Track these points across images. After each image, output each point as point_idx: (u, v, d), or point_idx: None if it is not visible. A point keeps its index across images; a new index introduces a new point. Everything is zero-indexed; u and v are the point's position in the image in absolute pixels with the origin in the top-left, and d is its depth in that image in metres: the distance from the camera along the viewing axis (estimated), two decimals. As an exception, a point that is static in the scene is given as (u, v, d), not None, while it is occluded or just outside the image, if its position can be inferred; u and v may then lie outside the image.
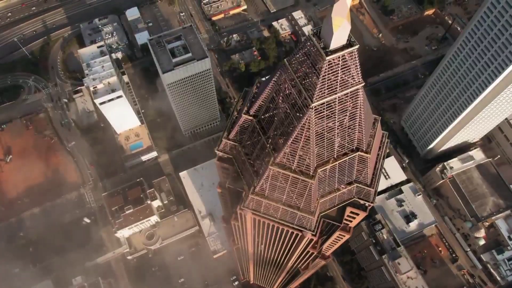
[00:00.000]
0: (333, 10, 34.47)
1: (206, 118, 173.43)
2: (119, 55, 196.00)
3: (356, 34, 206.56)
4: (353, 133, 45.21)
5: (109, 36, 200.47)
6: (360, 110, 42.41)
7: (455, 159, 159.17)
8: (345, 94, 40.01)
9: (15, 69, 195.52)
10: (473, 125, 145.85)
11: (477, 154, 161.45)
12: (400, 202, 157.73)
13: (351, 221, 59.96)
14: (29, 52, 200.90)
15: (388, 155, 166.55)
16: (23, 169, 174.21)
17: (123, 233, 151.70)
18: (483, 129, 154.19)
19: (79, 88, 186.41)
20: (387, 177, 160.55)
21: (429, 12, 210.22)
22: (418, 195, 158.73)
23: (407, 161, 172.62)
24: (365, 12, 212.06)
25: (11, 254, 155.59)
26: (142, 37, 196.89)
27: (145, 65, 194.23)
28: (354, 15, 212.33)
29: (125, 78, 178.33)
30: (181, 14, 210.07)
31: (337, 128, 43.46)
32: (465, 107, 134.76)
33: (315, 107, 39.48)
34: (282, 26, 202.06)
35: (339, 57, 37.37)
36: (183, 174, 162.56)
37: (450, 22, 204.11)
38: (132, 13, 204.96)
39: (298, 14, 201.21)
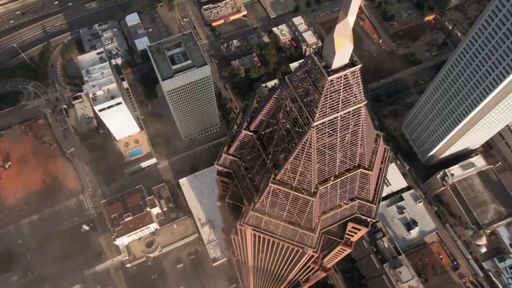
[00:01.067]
0: (335, 31, 33.69)
1: (206, 124, 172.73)
2: (118, 61, 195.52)
3: (356, 39, 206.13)
4: (355, 150, 44.50)
5: (109, 42, 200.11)
6: (362, 127, 41.71)
7: (456, 166, 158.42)
8: (347, 112, 39.34)
9: (15, 74, 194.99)
10: (474, 132, 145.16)
11: (478, 161, 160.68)
12: (401, 210, 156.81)
13: (352, 236, 59.13)
14: (28, 57, 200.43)
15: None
16: (22, 175, 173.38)
17: (122, 241, 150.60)
18: (484, 136, 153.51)
19: (78, 94, 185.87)
20: (387, 184, 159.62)
21: (429, 17, 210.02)
22: (419, 202, 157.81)
23: (407, 168, 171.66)
24: (365, 18, 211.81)
25: (9, 262, 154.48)
26: (142, 43, 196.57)
27: (144, 71, 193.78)
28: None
29: (125, 84, 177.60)
30: (184, 19, 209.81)
31: (339, 145, 42.75)
32: (467, 114, 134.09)
33: (316, 125, 38.83)
34: (282, 31, 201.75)
35: (341, 77, 36.71)
36: (182, 181, 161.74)
37: (450, 28, 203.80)
38: (132, 19, 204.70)
39: (298, 20, 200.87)
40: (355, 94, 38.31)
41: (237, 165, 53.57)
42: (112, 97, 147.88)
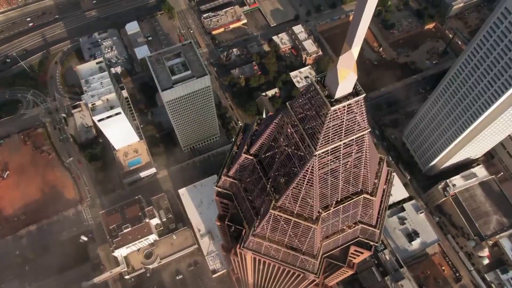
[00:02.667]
0: (338, 61, 32.68)
1: (205, 133, 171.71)
2: (118, 69, 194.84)
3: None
4: (358, 176, 43.44)
5: (109, 50, 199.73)
6: (365, 154, 40.68)
7: (457, 176, 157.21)
8: (350, 140, 38.30)
9: (14, 83, 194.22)
10: (476, 143, 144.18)
11: (480, 171, 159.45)
12: (402, 220, 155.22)
13: (355, 258, 57.88)
14: (28, 66, 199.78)
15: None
16: (20, 185, 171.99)
17: (121, 252, 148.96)
18: (486, 146, 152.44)
19: (77, 103, 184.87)
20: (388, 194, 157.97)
21: (430, 26, 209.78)
22: (421, 213, 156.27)
23: (408, 178, 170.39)
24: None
25: (6, 273, 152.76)
26: (141, 52, 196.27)
27: (144, 80, 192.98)
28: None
29: (124, 93, 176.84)
30: (190, 30, 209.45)
31: (342, 172, 41.69)
32: (469, 125, 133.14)
33: (319, 154, 37.79)
34: (282, 40, 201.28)
35: (344, 106, 35.72)
36: (182, 191, 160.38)
37: (450, 36, 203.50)
38: (132, 27, 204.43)
39: (298, 29, 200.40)
40: (358, 122, 37.31)
41: (237, 188, 52.41)
42: (111, 107, 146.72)
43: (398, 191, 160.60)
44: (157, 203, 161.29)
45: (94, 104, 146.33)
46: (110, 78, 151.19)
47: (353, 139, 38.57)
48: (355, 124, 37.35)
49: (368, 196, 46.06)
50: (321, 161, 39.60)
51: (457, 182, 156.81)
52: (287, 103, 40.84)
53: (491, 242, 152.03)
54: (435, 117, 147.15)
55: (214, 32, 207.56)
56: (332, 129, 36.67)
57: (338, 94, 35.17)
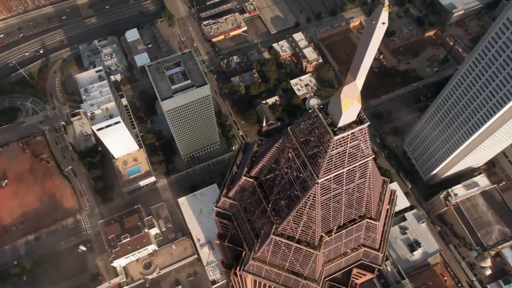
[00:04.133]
0: (342, 91, 31.74)
1: (205, 142, 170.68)
2: (118, 77, 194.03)
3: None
4: (361, 201, 42.42)
5: (108, 58, 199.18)
6: (369, 179, 39.68)
7: (459, 186, 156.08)
8: (353, 167, 37.33)
9: (13, 91, 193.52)
10: (479, 152, 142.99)
11: (482, 180, 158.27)
12: (403, 230, 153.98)
13: (357, 279, 56.70)
14: (27, 73, 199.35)
15: (391, 181, 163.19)
16: (18, 194, 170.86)
17: (120, 262, 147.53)
18: (488, 155, 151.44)
19: (77, 111, 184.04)
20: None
21: (430, 33, 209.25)
22: (422, 223, 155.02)
23: (410, 187, 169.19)
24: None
25: (4, 283, 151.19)
26: (141, 59, 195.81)
27: (144, 87, 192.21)
28: (354, 36, 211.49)
29: (124, 101, 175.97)
30: (194, 44, 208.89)
31: (345, 198, 40.67)
32: (470, 135, 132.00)
33: (321, 182, 36.81)
34: (283, 47, 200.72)
35: (348, 135, 34.75)
36: (181, 200, 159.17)
37: (451, 43, 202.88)
38: (132, 35, 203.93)
39: (298, 36, 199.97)
40: (362, 149, 36.36)
41: (236, 208, 51.34)
42: (111, 116, 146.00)
43: (399, 200, 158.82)
44: (156, 213, 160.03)
45: (94, 113, 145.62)
46: (109, 87, 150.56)
47: (356, 166, 37.60)
48: (358, 151, 36.42)
49: (371, 221, 45.03)
50: (324, 188, 38.59)
51: (459, 191, 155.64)
52: (288, 128, 39.87)
53: (493, 252, 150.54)
54: (436, 126, 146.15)
55: (214, 40, 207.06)
56: (335, 157, 35.72)
57: (342, 123, 34.24)
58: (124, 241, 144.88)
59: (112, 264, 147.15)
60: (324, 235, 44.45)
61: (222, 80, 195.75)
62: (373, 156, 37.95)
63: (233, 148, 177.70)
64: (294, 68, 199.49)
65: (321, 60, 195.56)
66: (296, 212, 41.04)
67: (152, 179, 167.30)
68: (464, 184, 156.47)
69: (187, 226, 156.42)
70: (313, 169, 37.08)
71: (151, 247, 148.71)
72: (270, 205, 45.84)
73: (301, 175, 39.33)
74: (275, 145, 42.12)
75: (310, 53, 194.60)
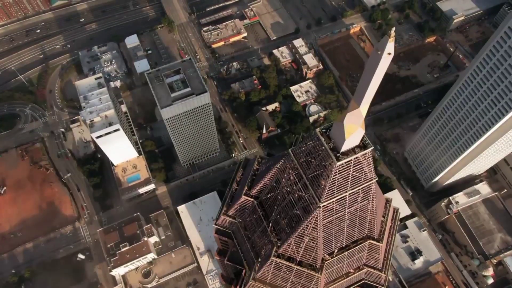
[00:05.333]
0: (345, 118, 30.93)
1: (205, 149, 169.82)
2: (117, 83, 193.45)
3: (357, 61, 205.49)
4: (364, 222, 41.54)
5: (108, 64, 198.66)
6: (372, 201, 38.82)
7: (460, 194, 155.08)
8: (356, 190, 36.49)
9: (12, 97, 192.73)
10: (480, 160, 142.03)
11: (483, 188, 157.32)
12: (405, 238, 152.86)
13: (359, 297, 55.71)
14: (26, 79, 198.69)
15: (391, 188, 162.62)
16: (17, 201, 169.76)
17: (119, 271, 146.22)
18: (490, 162, 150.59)
19: (76, 117, 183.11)
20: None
21: (430, 39, 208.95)
22: (423, 231, 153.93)
23: (411, 194, 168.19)
24: (366, 39, 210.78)
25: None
26: (141, 65, 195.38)
27: (143, 94, 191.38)
28: (354, 42, 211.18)
29: (123, 107, 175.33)
30: (198, 58, 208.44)
31: (347, 220, 39.78)
32: (472, 143, 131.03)
33: (323, 205, 35.96)
34: (283, 54, 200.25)
35: (351, 160, 33.93)
36: (181, 208, 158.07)
37: (451, 49, 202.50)
38: (132, 41, 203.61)
39: (298, 42, 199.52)
40: (365, 173, 35.52)
41: (236, 227, 50.40)
42: (110, 124, 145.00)
43: (400, 208, 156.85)
44: (155, 220, 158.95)
45: (93, 120, 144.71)
46: (109, 94, 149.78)
47: (359, 189, 36.74)
48: (362, 174, 35.62)
49: (374, 242, 44.11)
50: (326, 211, 37.71)
51: (460, 199, 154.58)
52: (289, 149, 39.02)
53: (495, 261, 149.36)
54: (437, 134, 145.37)
55: (214, 46, 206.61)
56: (337, 181, 34.87)
57: (345, 148, 33.44)
58: (123, 249, 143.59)
59: (111, 273, 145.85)
60: (326, 256, 43.54)
61: (222, 86, 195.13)
62: (377, 179, 37.11)
63: (233, 155, 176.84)
64: (294, 74, 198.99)
65: (321, 67, 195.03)
66: (298, 234, 40.15)
67: (151, 186, 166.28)
68: (466, 192, 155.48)
69: (186, 234, 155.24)
70: (315, 193, 36.21)
71: (150, 256, 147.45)
72: (270, 225, 44.90)
73: (302, 197, 38.43)
74: (276, 166, 41.31)
75: (310, 59, 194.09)
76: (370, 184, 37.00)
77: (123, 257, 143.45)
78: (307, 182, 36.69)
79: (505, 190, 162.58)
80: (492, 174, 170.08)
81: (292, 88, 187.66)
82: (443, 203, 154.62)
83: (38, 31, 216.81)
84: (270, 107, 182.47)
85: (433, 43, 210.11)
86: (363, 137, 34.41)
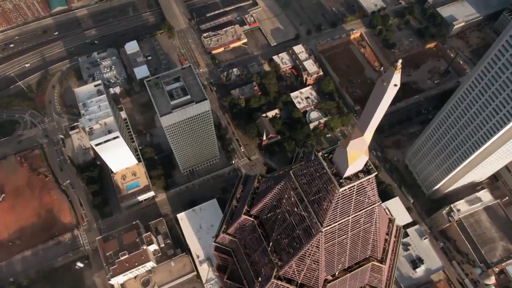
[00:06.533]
0: (349, 145, 30.11)
1: (205, 156, 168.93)
2: (117, 89, 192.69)
3: (357, 67, 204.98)
4: (366, 244, 40.66)
5: (108, 70, 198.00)
6: (375, 224, 37.96)
7: (462, 201, 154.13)
8: (359, 214, 35.62)
9: (12, 103, 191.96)
10: (482, 168, 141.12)
11: (485, 196, 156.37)
12: (406, 246, 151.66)
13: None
14: (26, 85, 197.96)
15: (392, 196, 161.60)
16: (15, 208, 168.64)
17: (118, 280, 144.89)
18: (492, 170, 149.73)
19: (75, 124, 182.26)
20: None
21: (431, 45, 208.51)
22: (425, 239, 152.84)
23: (412, 201, 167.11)
24: (367, 45, 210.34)
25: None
26: (141, 71, 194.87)
27: (143, 100, 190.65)
28: (355, 48, 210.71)
29: (123, 114, 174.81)
30: (198, 70, 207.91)
31: (350, 243, 38.91)
32: (474, 151, 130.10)
33: (325, 230, 35.10)
34: (283, 60, 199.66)
35: (354, 186, 33.08)
36: (180, 216, 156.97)
37: (452, 55, 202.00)
38: (131, 47, 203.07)
39: (299, 48, 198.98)
40: (369, 196, 34.69)
41: (236, 245, 49.47)
42: (109, 131, 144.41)
43: (401, 216, 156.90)
44: (155, 228, 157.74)
45: (92, 128, 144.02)
46: (108, 101, 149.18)
47: (362, 213, 35.88)
48: (365, 198, 34.80)
49: (377, 263, 43.21)
50: (328, 235, 36.82)
51: (462, 207, 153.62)
52: (290, 171, 38.18)
53: (497, 270, 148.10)
54: (439, 141, 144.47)
55: (214, 52, 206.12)
56: (340, 206, 34.01)
57: (348, 173, 32.60)
58: (122, 258, 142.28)
59: (110, 282, 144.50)
60: (328, 277, 42.65)
61: (222, 92, 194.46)
62: (380, 202, 36.25)
63: (233, 162, 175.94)
64: (295, 80, 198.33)
65: (321, 73, 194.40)
66: (299, 258, 39.25)
67: (151, 193, 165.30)
68: (467, 200, 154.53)
69: (186, 242, 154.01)
70: (317, 217, 35.35)
71: (150, 264, 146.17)
72: (271, 245, 43.98)
73: (304, 221, 37.57)
74: (277, 187, 40.45)
75: (310, 65, 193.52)
76: (373, 207, 36.19)
77: (122, 266, 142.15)
78: (308, 206, 35.88)
79: (507, 198, 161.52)
80: (494, 181, 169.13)
81: (292, 94, 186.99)
82: (444, 211, 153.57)
83: (38, 37, 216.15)
84: (270, 114, 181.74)
85: (433, 49, 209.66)
86: (367, 162, 33.64)
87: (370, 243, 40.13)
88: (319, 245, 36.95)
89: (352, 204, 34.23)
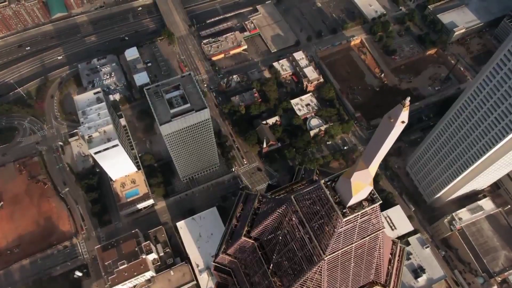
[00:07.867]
0: (353, 176, 29.16)
1: (205, 164, 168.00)
2: (117, 96, 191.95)
3: (358, 73, 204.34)
4: (370, 269, 39.66)
5: (107, 77, 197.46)
6: (379, 250, 37.00)
7: (463, 210, 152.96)
8: (363, 241, 34.70)
9: (11, 110, 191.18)
10: (484, 176, 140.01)
11: (487, 204, 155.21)
12: (407, 255, 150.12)
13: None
14: (25, 92, 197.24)
15: (393, 204, 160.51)
16: (14, 216, 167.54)
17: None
18: (494, 177, 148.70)
19: (75, 131, 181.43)
20: (393, 228, 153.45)
21: (431, 52, 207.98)
22: (426, 247, 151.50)
23: (413, 209, 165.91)
24: (367, 52, 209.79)
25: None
26: (140, 78, 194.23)
27: (143, 107, 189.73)
28: (355, 54, 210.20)
29: (122, 121, 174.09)
30: (200, 80, 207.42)
31: (353, 269, 37.92)
32: (476, 160, 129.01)
33: (328, 258, 34.16)
34: (283, 66, 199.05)
35: (358, 215, 32.15)
36: (180, 224, 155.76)
37: (452, 62, 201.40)
38: (131, 53, 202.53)
39: (299, 55, 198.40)
40: (373, 224, 33.75)
41: (236, 266, 48.42)
42: (109, 139, 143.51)
43: (402, 224, 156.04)
44: (154, 237, 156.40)
45: (91, 136, 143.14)
46: (107, 109, 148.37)
47: (366, 240, 34.94)
48: (369, 225, 33.83)
49: (380, 288, 42.26)
50: (331, 261, 35.84)
51: (463, 215, 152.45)
52: (291, 196, 37.21)
53: (500, 279, 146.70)
54: (440, 150, 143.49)
55: (214, 58, 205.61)
56: (343, 234, 33.06)
57: (351, 203, 31.66)
58: (121, 267, 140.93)
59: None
60: (330, 302, 41.69)
61: (222, 99, 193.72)
62: (384, 228, 35.27)
63: (233, 170, 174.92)
64: (295, 87, 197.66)
65: (322, 80, 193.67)
66: (300, 284, 38.25)
67: (150, 201, 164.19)
68: (469, 208, 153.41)
69: (185, 251, 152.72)
70: (319, 244, 34.36)
71: (149, 274, 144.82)
72: (272, 267, 42.97)
73: (305, 247, 36.60)
74: (278, 210, 39.50)
75: (310, 72, 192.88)
76: (377, 233, 35.28)
77: (121, 275, 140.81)
78: (310, 233, 34.96)
79: (509, 206, 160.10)
80: (495, 189, 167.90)
81: (293, 101, 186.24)
82: (446, 220, 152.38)
83: (37, 43, 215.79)
84: (271, 121, 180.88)
85: (434, 55, 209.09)
86: (372, 191, 32.72)
87: (374, 267, 39.24)
88: (321, 272, 36.00)
89: (356, 232, 33.35)
